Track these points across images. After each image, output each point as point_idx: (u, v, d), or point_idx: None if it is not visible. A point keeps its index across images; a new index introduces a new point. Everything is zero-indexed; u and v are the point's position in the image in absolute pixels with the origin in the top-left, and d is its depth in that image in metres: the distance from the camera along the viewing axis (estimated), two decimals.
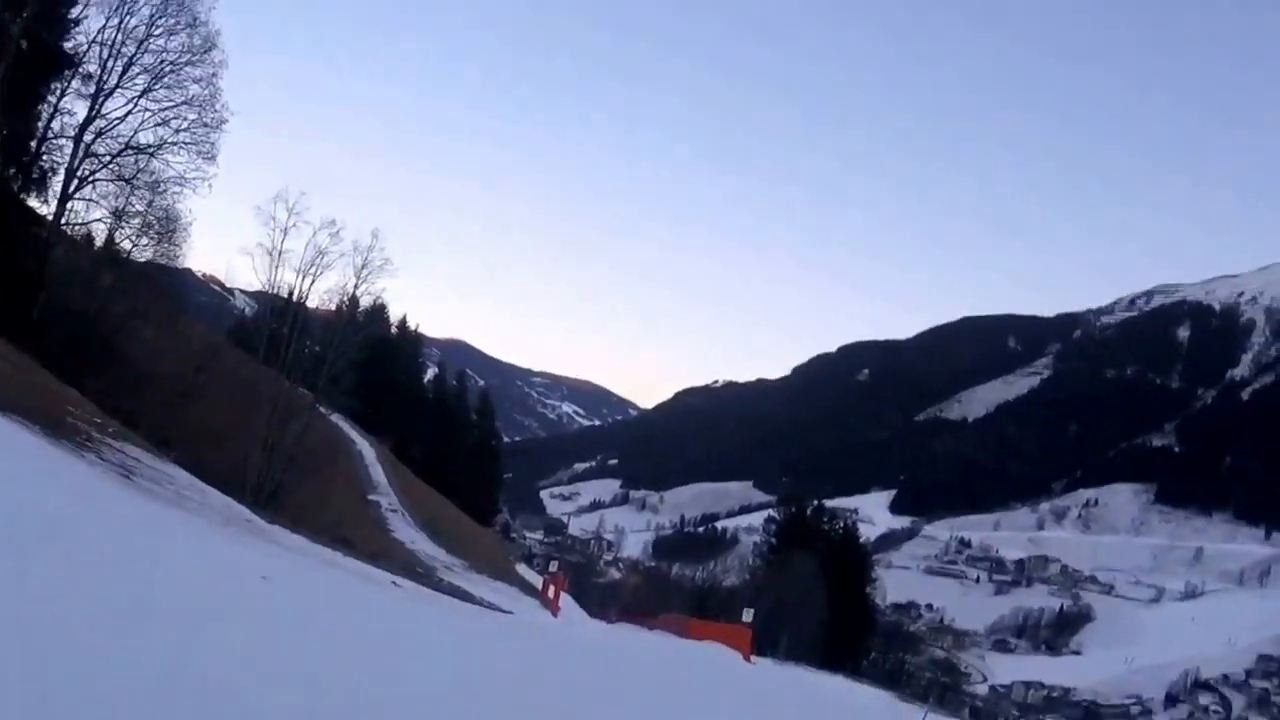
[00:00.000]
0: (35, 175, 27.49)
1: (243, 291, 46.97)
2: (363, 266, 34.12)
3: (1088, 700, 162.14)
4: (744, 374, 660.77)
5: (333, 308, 37.78)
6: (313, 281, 33.28)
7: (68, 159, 27.82)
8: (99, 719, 3.75)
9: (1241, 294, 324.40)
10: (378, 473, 50.44)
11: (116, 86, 27.98)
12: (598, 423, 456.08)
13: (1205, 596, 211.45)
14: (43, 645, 4.21)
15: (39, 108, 27.42)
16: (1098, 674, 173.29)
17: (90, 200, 28.98)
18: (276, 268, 32.63)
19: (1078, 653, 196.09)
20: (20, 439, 10.83)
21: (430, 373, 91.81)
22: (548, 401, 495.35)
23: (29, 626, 4.49)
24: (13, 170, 26.48)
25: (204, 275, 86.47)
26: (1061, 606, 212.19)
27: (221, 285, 69.78)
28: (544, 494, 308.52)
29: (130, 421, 20.26)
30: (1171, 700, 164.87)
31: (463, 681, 7.77)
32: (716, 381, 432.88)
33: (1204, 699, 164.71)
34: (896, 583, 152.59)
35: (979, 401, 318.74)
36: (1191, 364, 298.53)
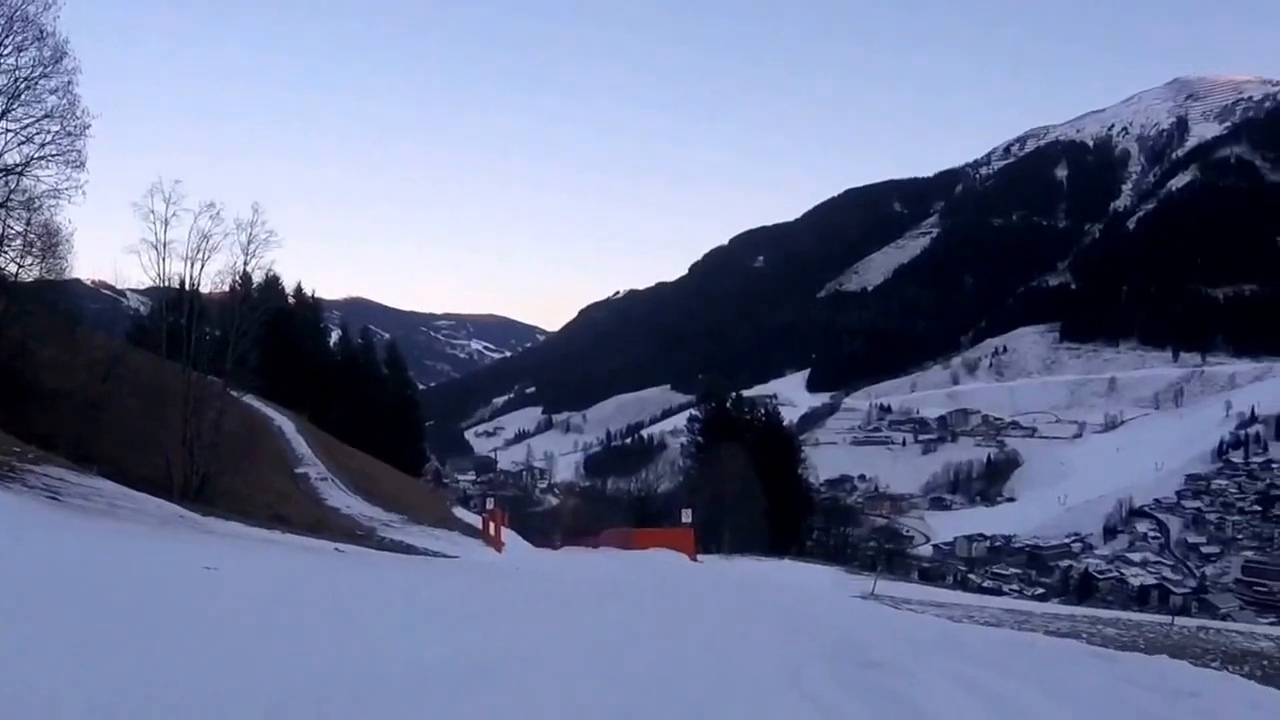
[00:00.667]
0: None
1: (134, 291, 46.12)
2: (248, 242, 33.78)
3: (1030, 544, 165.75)
4: (644, 280, 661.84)
5: (227, 290, 37.31)
6: (201, 267, 32.87)
7: None
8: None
9: (1111, 127, 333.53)
10: (301, 445, 50.27)
11: None
12: (508, 354, 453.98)
13: (1125, 425, 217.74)
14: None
15: None
16: (1035, 517, 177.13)
17: None
18: (163, 260, 32.21)
19: (1012, 499, 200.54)
20: None
21: (335, 335, 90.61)
22: (455, 342, 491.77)
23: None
24: None
25: (93, 282, 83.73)
26: (989, 456, 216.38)
27: (112, 288, 68.14)
28: (469, 434, 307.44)
29: (48, 444, 20.20)
30: (1110, 532, 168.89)
31: (410, 627, 8.26)
32: (618, 292, 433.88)
33: (1141, 526, 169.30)
34: (826, 459, 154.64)
35: (875, 269, 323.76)
36: (1074, 202, 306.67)
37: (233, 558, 12.88)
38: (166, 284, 33.39)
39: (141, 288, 38.85)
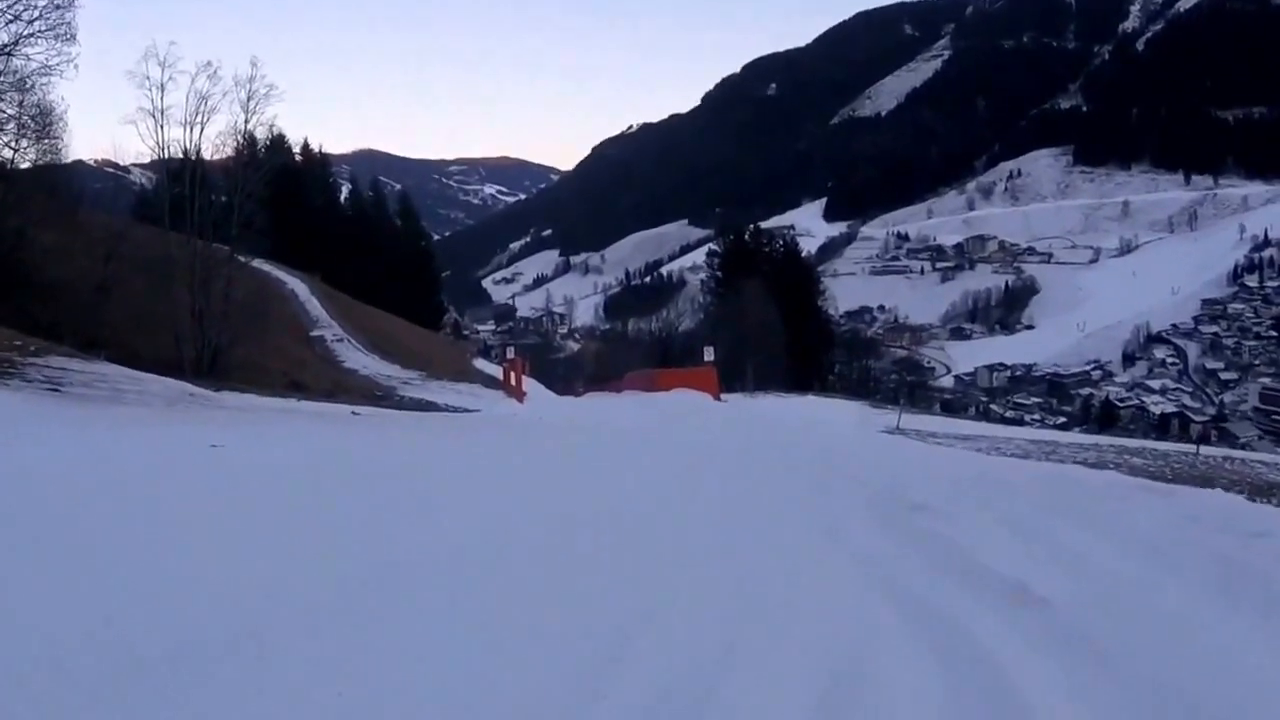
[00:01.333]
0: None
1: (138, 166, 45.34)
2: (248, 99, 32.81)
3: (1050, 372, 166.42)
4: (656, 113, 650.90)
5: (231, 153, 36.56)
6: (201, 130, 32.03)
7: None
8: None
9: None
10: (315, 307, 50.29)
11: None
12: (522, 196, 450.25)
13: (1140, 249, 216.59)
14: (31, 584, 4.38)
15: None
16: (1054, 345, 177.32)
17: None
18: (162, 128, 31.38)
19: (1031, 327, 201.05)
20: None
21: (345, 190, 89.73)
22: (468, 188, 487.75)
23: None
24: None
25: (96, 162, 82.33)
26: (1007, 283, 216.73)
27: (116, 166, 66.98)
28: (486, 282, 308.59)
29: (53, 334, 19.93)
30: (1129, 359, 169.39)
31: (422, 499, 8.03)
32: (631, 127, 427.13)
33: (1159, 352, 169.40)
34: (845, 290, 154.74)
35: (888, 94, 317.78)
36: (1084, 22, 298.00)
37: (242, 433, 12.66)
38: (167, 154, 32.72)
39: (145, 161, 38.08)
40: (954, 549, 6.40)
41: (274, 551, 5.41)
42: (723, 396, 38.96)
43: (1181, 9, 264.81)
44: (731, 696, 3.80)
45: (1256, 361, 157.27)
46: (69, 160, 37.09)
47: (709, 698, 3.75)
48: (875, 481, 10.50)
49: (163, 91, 30.96)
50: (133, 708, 3.11)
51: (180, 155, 32.51)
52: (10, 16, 26.83)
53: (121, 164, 47.62)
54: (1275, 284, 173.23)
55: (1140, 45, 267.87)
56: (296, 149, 73.72)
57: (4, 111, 28.22)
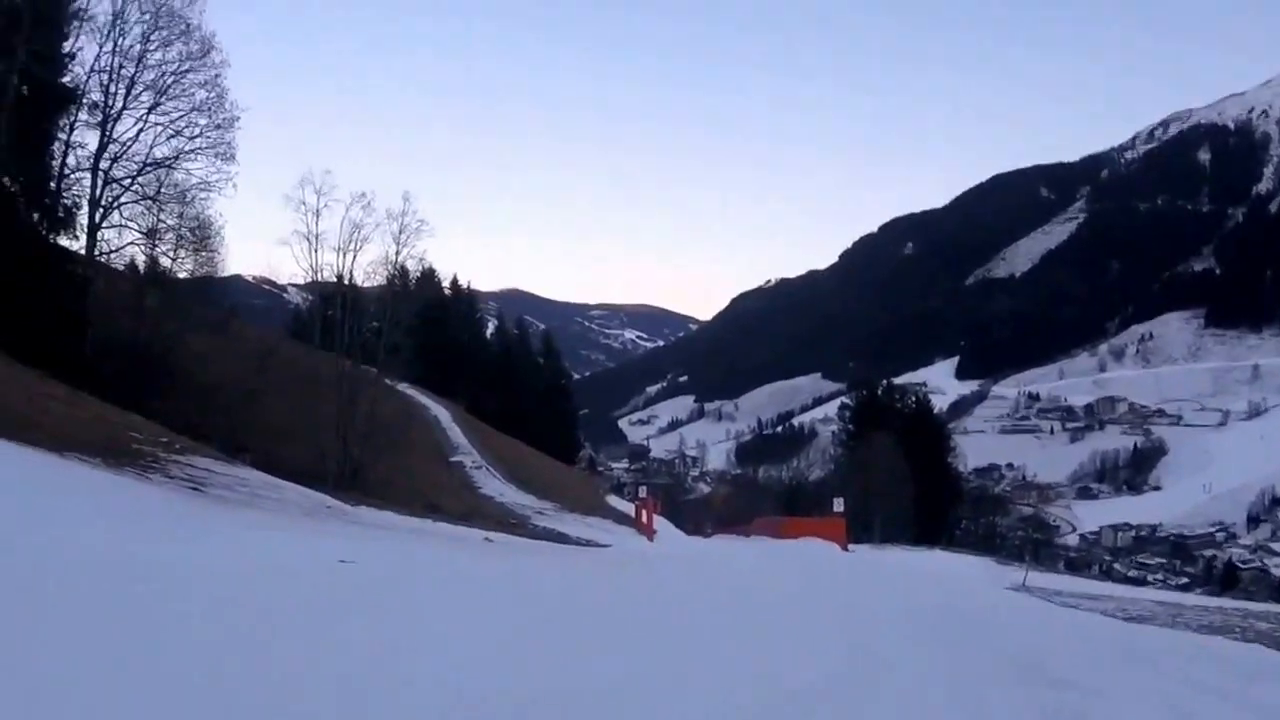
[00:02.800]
0: (60, 214, 27.65)
1: (294, 286, 47.74)
2: (400, 231, 34.26)
3: (1174, 534, 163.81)
4: (794, 269, 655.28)
5: (383, 282, 37.91)
6: (354, 257, 33.47)
7: (89, 191, 28.18)
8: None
9: (1252, 109, 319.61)
10: (456, 434, 51.06)
11: (123, 109, 28.26)
12: (661, 343, 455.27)
13: (1269, 413, 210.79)
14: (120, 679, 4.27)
15: (51, 147, 27.60)
16: (1180, 506, 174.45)
17: (120, 226, 29.41)
18: (316, 251, 32.90)
19: (1158, 488, 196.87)
20: (77, 475, 11.00)
21: (491, 326, 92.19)
22: (609, 331, 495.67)
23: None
24: (36, 215, 26.72)
25: (255, 279, 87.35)
26: (1135, 444, 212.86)
27: (274, 284, 70.82)
28: (622, 423, 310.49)
29: (200, 435, 20.59)
30: (1254, 521, 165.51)
31: (557, 616, 7.80)
32: (769, 281, 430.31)
33: None
34: (974, 447, 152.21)
35: (1023, 255, 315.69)
36: (1217, 185, 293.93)
37: (373, 550, 12.62)
38: (319, 276, 34.12)
39: (300, 282, 39.78)
40: None
41: (393, 673, 5.27)
42: (850, 547, 38.14)
43: None
44: None
45: None
46: (226, 274, 39.03)
47: None
48: (1009, 649, 9.92)
49: (318, 217, 32.64)
50: None
51: (333, 279, 33.92)
52: (172, 132, 28.68)
53: (278, 283, 50.02)
54: None
55: (1274, 207, 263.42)
56: (446, 283, 76.31)
57: (164, 222, 30.12)
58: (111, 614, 5.38)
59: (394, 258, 35.81)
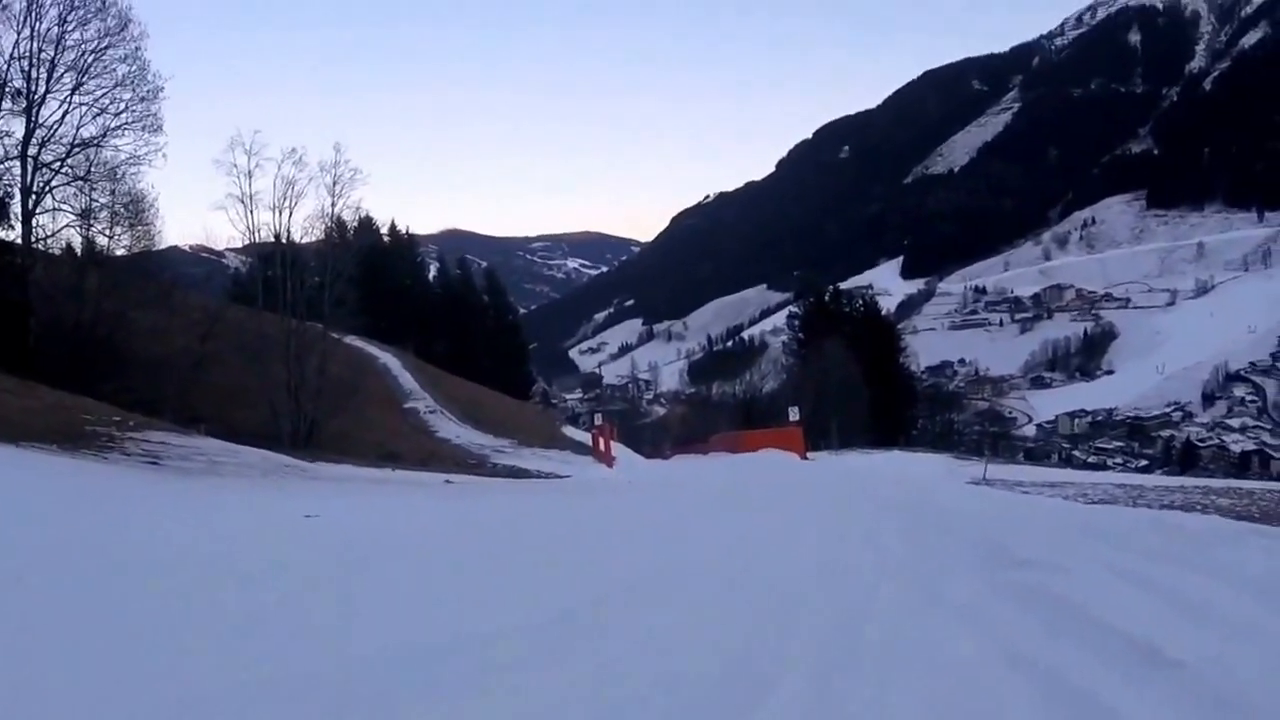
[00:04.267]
0: None
1: (232, 250, 46.95)
2: (334, 183, 33.96)
3: (1131, 417, 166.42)
4: (732, 182, 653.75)
5: (321, 236, 37.60)
6: (290, 215, 33.14)
7: (19, 179, 27.93)
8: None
9: None
10: (408, 380, 51.02)
11: (46, 93, 27.96)
12: (605, 269, 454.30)
13: (1216, 289, 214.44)
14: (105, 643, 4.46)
15: None
16: (1134, 389, 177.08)
17: (54, 210, 29.14)
18: (251, 213, 32.53)
19: (1111, 372, 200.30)
20: (33, 464, 11.03)
21: (433, 269, 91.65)
22: (552, 263, 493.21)
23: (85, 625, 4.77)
24: None
25: (192, 247, 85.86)
26: (1085, 331, 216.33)
27: (211, 251, 69.51)
28: (572, 353, 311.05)
29: (153, 410, 20.58)
30: (1208, 399, 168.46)
31: (516, 563, 8.03)
32: (708, 197, 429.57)
33: (1238, 390, 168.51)
34: (925, 346, 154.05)
35: (960, 150, 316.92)
36: (1150, 66, 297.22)
37: (336, 503, 12.80)
38: (256, 237, 33.78)
39: (238, 246, 39.31)
40: (1067, 606, 6.07)
41: (371, 621, 5.48)
42: (809, 455, 38.71)
43: (1246, 45, 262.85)
44: None
45: None
46: (164, 246, 38.54)
47: None
48: (971, 535, 10.25)
49: (250, 178, 32.17)
50: None
51: (271, 239, 33.61)
52: (97, 110, 28.26)
53: (216, 249, 49.29)
54: None
55: (1207, 85, 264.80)
56: (384, 230, 75.55)
57: (97, 201, 29.67)
58: (91, 592, 5.58)
59: (330, 210, 35.55)
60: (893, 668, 4.95)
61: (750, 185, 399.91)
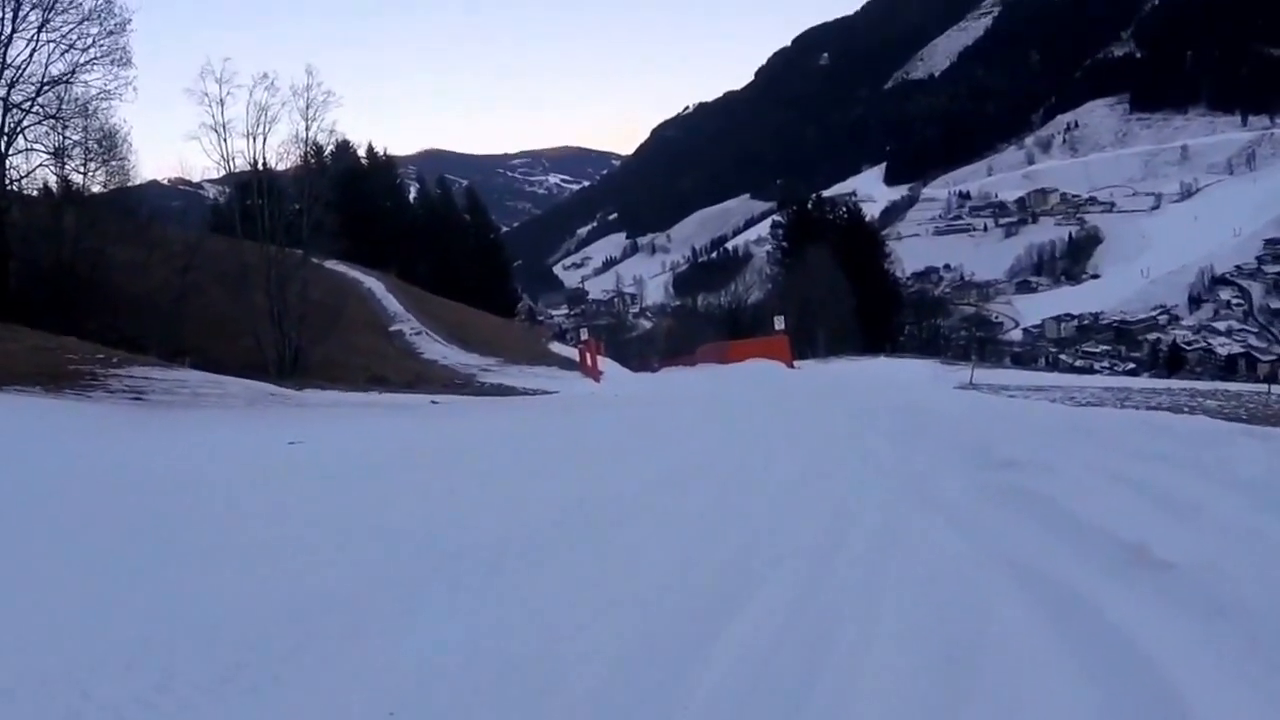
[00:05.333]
0: None
1: (210, 181, 46.33)
2: (307, 107, 33.47)
3: (1117, 320, 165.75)
4: (711, 93, 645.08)
5: (299, 162, 37.14)
6: (264, 141, 32.74)
7: None
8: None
9: None
10: (392, 303, 50.84)
11: (13, 32, 27.09)
12: (586, 184, 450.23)
13: (1201, 193, 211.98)
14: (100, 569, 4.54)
15: None
16: (1120, 292, 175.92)
17: (27, 150, 28.55)
18: (225, 141, 32.14)
19: (1096, 276, 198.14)
20: (15, 405, 11.01)
21: (413, 190, 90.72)
22: (533, 178, 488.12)
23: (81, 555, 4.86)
24: None
25: (170, 181, 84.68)
26: (1070, 235, 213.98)
27: (189, 183, 68.57)
28: (557, 269, 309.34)
29: (137, 346, 20.50)
30: (1194, 302, 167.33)
31: (499, 481, 8.09)
32: (687, 108, 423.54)
33: (1224, 294, 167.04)
34: (910, 252, 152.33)
35: (941, 54, 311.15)
36: None
37: (321, 429, 12.82)
38: (232, 166, 33.40)
39: (217, 177, 38.88)
40: (1056, 507, 6.06)
41: (352, 545, 5.52)
42: (796, 363, 38.86)
43: None
44: (843, 658, 3.72)
45: None
46: (142, 181, 38.09)
47: (811, 680, 3.56)
48: (959, 438, 10.28)
49: (223, 106, 31.67)
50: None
51: (247, 167, 33.23)
52: (66, 46, 27.71)
53: (194, 181, 48.59)
54: None
55: None
56: (362, 153, 74.68)
57: (70, 139, 29.13)
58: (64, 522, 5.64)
59: (305, 135, 35.04)
60: (880, 565, 5.05)
61: (730, 95, 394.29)
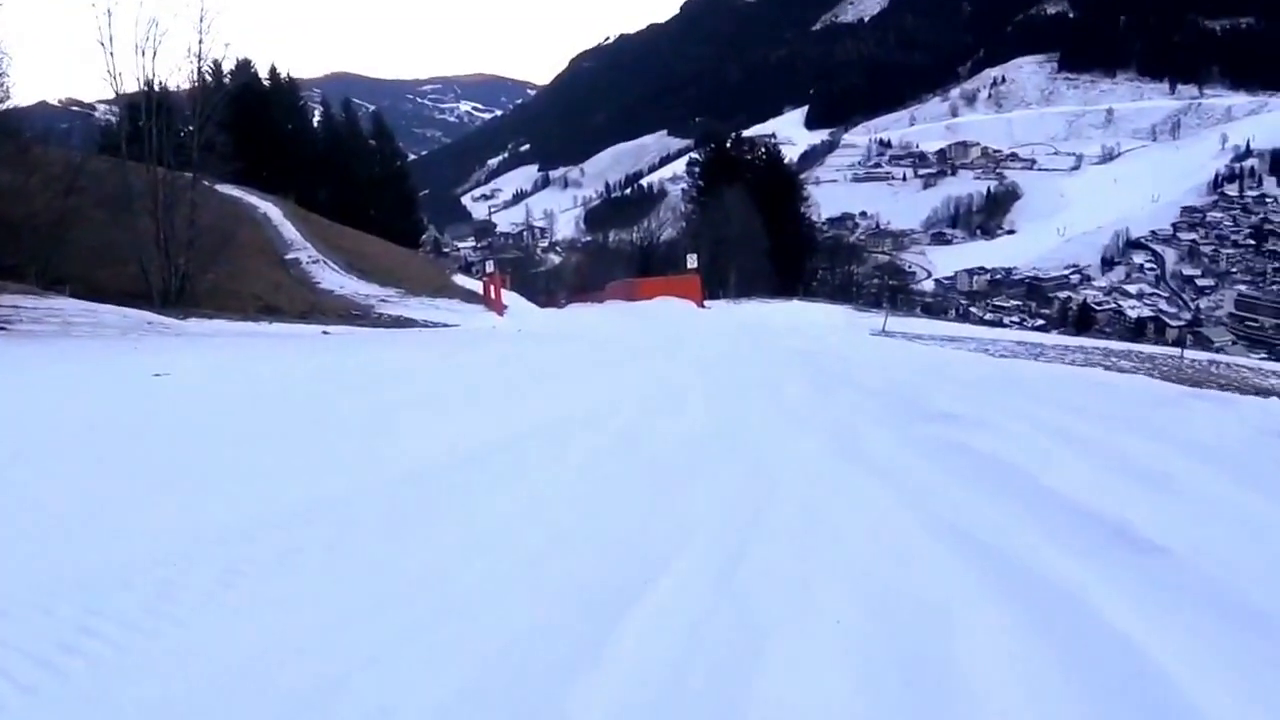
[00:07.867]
0: None
1: (103, 103, 44.36)
2: (200, 19, 31.78)
3: (1029, 277, 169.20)
4: (634, 24, 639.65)
5: (194, 80, 35.43)
6: (154, 55, 31.04)
7: None
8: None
9: None
10: (289, 230, 49.28)
11: None
12: (499, 113, 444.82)
13: (1122, 157, 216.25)
14: None
15: None
16: (1034, 249, 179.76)
17: None
18: (111, 55, 30.35)
19: (1012, 232, 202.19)
20: None
21: (317, 114, 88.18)
22: (444, 106, 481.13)
23: None
24: None
25: (62, 102, 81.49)
26: (989, 189, 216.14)
27: (81, 104, 65.71)
28: (465, 200, 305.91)
29: (16, 274, 19.46)
30: (1107, 264, 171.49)
31: (375, 419, 7.55)
32: (608, 38, 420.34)
33: (1137, 258, 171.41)
34: (827, 197, 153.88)
35: None
36: None
37: (194, 360, 12.03)
38: (120, 84, 31.63)
39: (111, 97, 36.97)
40: (1010, 471, 5.45)
41: (206, 493, 5.00)
42: (706, 303, 38.70)
43: None
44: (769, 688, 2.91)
45: (1233, 269, 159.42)
46: (32, 102, 36.11)
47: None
48: (883, 387, 9.88)
49: (110, 17, 29.87)
50: None
51: (143, 86, 31.55)
52: None
53: (85, 101, 46.31)
54: (1255, 193, 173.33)
55: None
56: (264, 75, 72.22)
57: None
58: None
59: (198, 49, 33.35)
60: (811, 540, 4.36)
61: (653, 27, 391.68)
